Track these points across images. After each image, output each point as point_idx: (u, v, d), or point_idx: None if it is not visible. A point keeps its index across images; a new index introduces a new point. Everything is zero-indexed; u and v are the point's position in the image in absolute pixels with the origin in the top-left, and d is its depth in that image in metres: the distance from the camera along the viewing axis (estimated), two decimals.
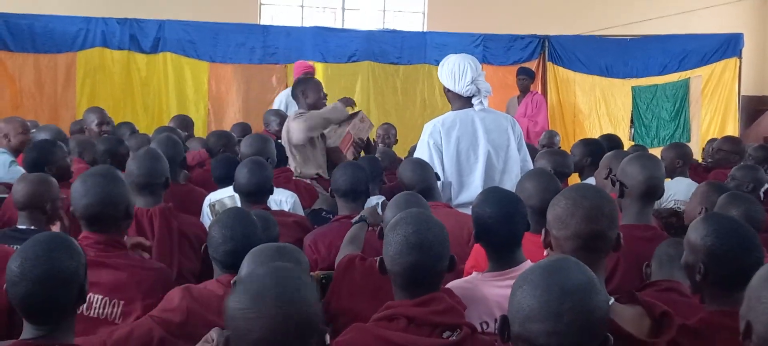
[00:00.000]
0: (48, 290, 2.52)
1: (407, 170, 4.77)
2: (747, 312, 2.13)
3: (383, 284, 3.01)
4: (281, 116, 7.93)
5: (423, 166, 4.81)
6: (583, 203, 2.60)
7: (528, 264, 3.11)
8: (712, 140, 8.41)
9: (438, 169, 4.98)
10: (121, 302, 3.26)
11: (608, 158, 4.69)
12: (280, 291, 2.10)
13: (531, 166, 5.33)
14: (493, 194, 3.40)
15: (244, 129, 7.94)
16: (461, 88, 5.11)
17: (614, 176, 4.07)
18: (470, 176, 5.09)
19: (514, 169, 5.16)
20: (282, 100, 9.08)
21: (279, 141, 6.36)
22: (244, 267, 2.88)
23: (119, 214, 3.44)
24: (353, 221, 4.05)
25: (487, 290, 3.10)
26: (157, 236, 4.00)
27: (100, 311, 3.26)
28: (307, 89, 6.50)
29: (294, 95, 6.66)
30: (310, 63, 9.70)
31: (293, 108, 7.32)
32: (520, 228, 3.24)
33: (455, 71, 5.11)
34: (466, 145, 5.09)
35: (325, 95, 6.65)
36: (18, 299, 2.54)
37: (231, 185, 4.78)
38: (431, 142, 5.08)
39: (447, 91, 5.27)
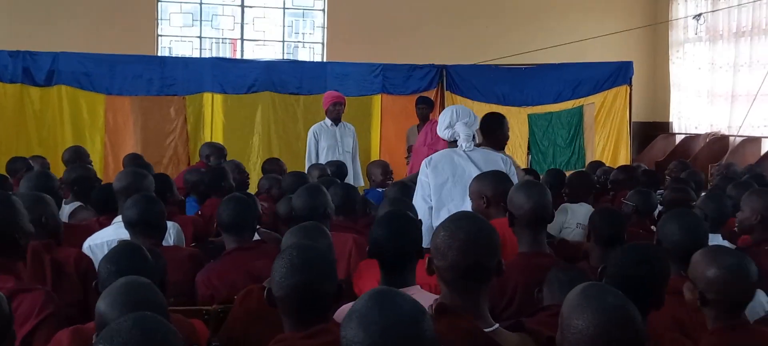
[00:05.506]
0: None
1: (299, 198, 4.72)
2: (562, 341, 2.22)
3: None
4: (217, 149, 7.84)
5: (316, 191, 4.79)
6: (458, 235, 2.59)
7: (417, 289, 3.18)
8: (599, 165, 8.66)
9: (425, 199, 5.30)
10: None
11: (475, 183, 4.70)
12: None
13: None
14: (388, 214, 3.52)
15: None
16: (441, 133, 5.62)
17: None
18: (451, 202, 5.26)
19: None
20: None
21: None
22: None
23: None
24: None
25: None
26: (28, 273, 3.78)
27: None
28: None
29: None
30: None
31: None
32: (408, 248, 3.29)
33: (440, 119, 5.63)
34: (443, 178, 5.32)
35: None
36: None
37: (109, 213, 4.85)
38: (423, 178, 5.39)
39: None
